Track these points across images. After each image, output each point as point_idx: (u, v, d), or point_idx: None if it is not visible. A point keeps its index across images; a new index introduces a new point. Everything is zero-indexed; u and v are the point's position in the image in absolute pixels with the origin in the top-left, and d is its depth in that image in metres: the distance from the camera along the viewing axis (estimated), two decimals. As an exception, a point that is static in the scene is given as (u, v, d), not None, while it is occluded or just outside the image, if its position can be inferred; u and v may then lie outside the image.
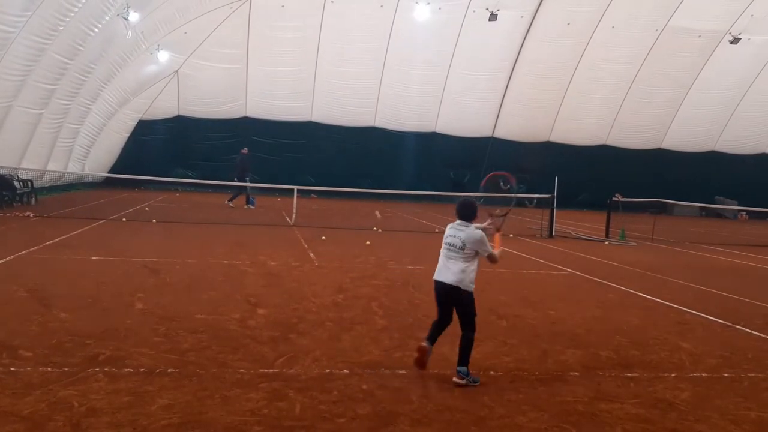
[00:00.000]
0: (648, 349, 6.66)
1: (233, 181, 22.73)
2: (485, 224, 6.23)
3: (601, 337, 7.10)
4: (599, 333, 7.28)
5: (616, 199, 19.93)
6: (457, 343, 5.42)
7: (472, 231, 5.58)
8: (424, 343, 5.47)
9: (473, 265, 5.56)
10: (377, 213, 13.59)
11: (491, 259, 5.73)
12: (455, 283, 5.48)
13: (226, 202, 22.91)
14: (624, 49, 30.86)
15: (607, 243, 17.85)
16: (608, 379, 5.59)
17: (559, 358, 6.14)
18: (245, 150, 23.71)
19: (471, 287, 5.55)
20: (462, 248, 5.51)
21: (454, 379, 5.26)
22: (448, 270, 5.55)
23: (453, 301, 5.56)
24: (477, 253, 5.54)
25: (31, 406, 4.26)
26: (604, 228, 19.07)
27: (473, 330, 5.48)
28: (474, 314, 5.53)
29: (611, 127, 34.62)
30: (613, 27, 29.69)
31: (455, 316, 5.64)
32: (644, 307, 9.09)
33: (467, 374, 5.27)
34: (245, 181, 22.58)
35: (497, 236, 6.18)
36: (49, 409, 4.23)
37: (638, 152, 35.24)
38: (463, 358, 5.34)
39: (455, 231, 5.62)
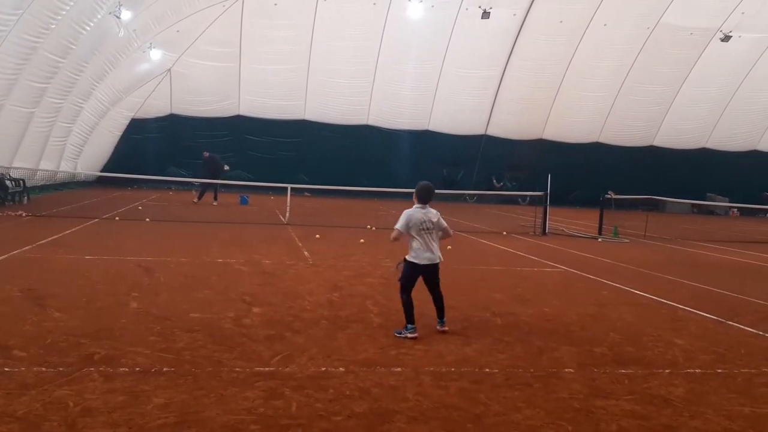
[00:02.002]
0: (642, 346, 6.69)
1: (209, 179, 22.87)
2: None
3: (595, 333, 7.13)
4: (593, 330, 7.31)
5: (609, 196, 19.99)
6: (451, 340, 5.43)
7: (434, 212, 6.60)
8: (415, 334, 6.44)
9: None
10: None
11: (448, 232, 6.77)
12: (440, 260, 6.62)
13: (213, 203, 22.92)
14: (616, 46, 30.98)
15: (600, 240, 17.91)
16: (603, 376, 5.60)
17: (553, 355, 6.16)
18: (206, 154, 23.85)
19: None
20: (435, 228, 6.53)
21: (444, 328, 6.70)
22: (433, 250, 6.54)
23: (434, 276, 6.68)
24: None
25: (25, 407, 4.24)
26: (597, 225, 19.13)
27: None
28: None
29: (604, 124, 34.76)
30: (605, 24, 29.80)
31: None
32: (638, 303, 9.12)
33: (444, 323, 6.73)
34: (218, 178, 22.66)
35: None
36: (44, 409, 4.21)
37: (630, 149, 35.40)
38: (443, 311, 6.77)
39: (424, 214, 6.52)
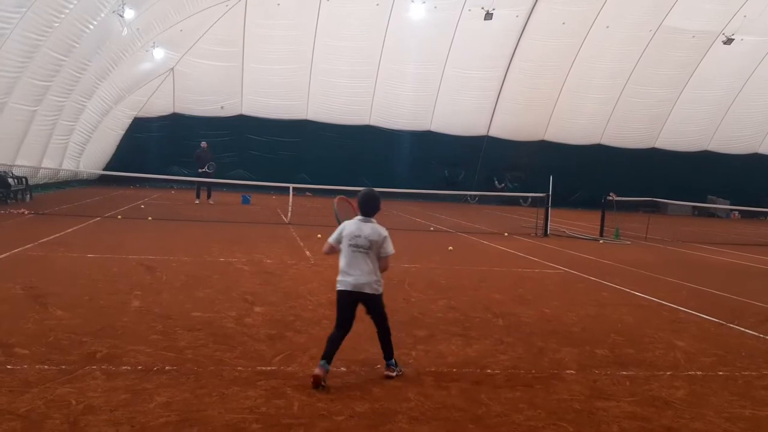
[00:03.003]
0: (643, 348, 6.70)
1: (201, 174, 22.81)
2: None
3: (596, 335, 7.13)
4: (594, 331, 7.31)
5: (610, 198, 19.97)
6: (453, 340, 5.43)
7: (378, 227, 5.22)
8: (318, 370, 4.94)
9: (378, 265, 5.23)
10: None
11: (386, 263, 5.27)
12: (373, 291, 5.17)
13: (209, 202, 22.92)
14: (618, 48, 30.97)
15: (601, 242, 17.91)
16: (604, 378, 5.61)
17: (554, 357, 6.17)
18: (205, 144, 23.70)
19: (380, 289, 5.23)
20: (370, 248, 5.14)
21: (386, 372, 5.22)
22: (361, 275, 5.13)
23: (370, 309, 5.26)
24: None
25: (28, 404, 4.25)
26: (599, 227, 19.12)
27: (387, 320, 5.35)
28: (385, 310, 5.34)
29: (605, 126, 34.75)
30: (607, 27, 29.78)
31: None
32: (639, 305, 9.13)
33: (396, 365, 5.31)
34: (205, 169, 22.61)
35: None
36: (47, 407, 4.23)
37: (632, 151, 35.38)
38: (390, 349, 5.30)
39: (358, 228, 5.20)
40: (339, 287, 5.20)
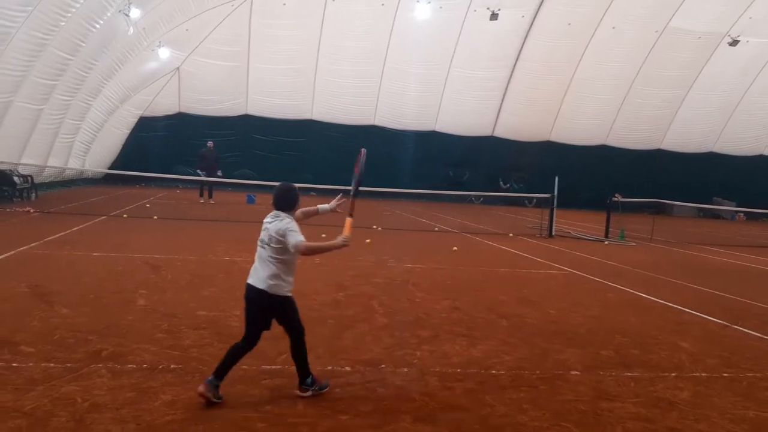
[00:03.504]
0: (648, 349, 6.69)
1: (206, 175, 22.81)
2: (333, 203, 5.55)
3: (601, 336, 7.12)
4: (599, 332, 7.30)
5: (615, 199, 19.94)
6: (457, 341, 5.42)
7: (281, 221, 4.70)
8: (201, 387, 4.47)
9: (290, 262, 4.70)
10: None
11: (298, 249, 4.59)
12: (268, 288, 4.62)
13: (210, 201, 22.95)
14: (624, 49, 30.92)
15: (606, 243, 17.88)
16: (609, 379, 5.61)
17: (559, 358, 6.16)
18: (211, 144, 23.66)
19: (284, 289, 4.69)
20: (269, 243, 4.63)
21: (302, 393, 4.66)
22: (258, 272, 4.68)
23: (270, 312, 4.74)
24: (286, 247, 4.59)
25: (33, 402, 4.27)
26: (604, 228, 19.10)
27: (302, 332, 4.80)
28: (298, 320, 4.81)
29: (611, 127, 34.70)
30: (613, 27, 29.74)
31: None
32: (643, 306, 9.11)
33: (312, 383, 4.72)
34: (215, 175, 22.61)
35: (348, 221, 5.18)
36: (52, 405, 4.25)
37: (638, 152, 35.32)
38: (305, 367, 4.72)
39: (266, 223, 4.76)
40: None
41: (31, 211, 16.15)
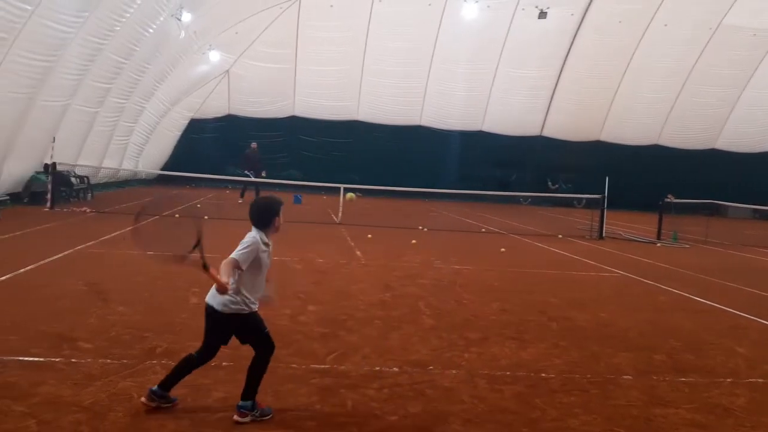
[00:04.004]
0: (702, 354, 6.52)
1: (247, 176, 23.08)
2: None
3: (653, 340, 6.97)
4: (652, 336, 7.15)
5: (668, 199, 19.50)
6: (506, 343, 5.36)
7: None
8: (144, 398, 4.22)
9: (243, 278, 4.40)
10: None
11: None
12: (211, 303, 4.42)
13: (239, 201, 23.22)
14: (676, 47, 30.19)
15: (658, 245, 17.48)
16: (662, 384, 5.48)
17: (611, 361, 6.05)
18: (254, 145, 23.90)
19: (231, 307, 4.32)
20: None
21: (235, 416, 4.18)
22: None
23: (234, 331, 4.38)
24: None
25: (92, 397, 4.39)
26: (656, 229, 18.68)
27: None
28: (260, 336, 4.38)
29: (663, 126, 33.92)
30: (665, 25, 29.07)
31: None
32: (698, 310, 8.89)
33: (253, 407, 4.23)
34: (260, 176, 22.85)
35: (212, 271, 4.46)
36: (110, 400, 4.36)
37: (691, 152, 34.43)
38: (252, 388, 4.27)
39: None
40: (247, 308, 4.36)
41: (88, 211, 16.63)
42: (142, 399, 4.23)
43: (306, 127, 32.54)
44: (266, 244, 4.51)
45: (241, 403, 4.23)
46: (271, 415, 4.26)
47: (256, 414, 4.22)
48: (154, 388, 4.23)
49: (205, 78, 29.37)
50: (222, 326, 4.32)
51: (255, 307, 4.35)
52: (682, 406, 4.98)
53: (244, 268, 4.31)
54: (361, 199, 27.98)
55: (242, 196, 23.75)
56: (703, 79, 31.54)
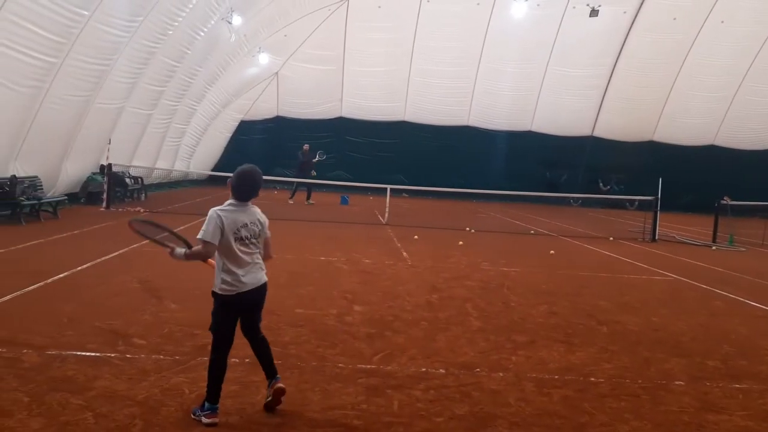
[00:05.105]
0: (758, 360, 6.33)
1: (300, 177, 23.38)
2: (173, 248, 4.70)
3: (707, 345, 6.79)
4: (705, 342, 6.97)
5: (724, 201, 18.95)
6: (555, 347, 5.27)
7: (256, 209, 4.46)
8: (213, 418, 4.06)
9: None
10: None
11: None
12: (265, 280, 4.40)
13: (308, 202, 23.47)
14: (734, 44, 29.31)
15: (714, 248, 17.01)
16: (715, 390, 5.35)
17: (662, 367, 5.92)
18: (306, 147, 24.19)
19: None
20: (260, 235, 4.38)
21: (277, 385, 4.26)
22: (259, 267, 4.41)
23: (259, 304, 4.50)
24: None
25: (145, 392, 4.52)
26: (711, 232, 18.19)
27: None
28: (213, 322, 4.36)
29: (720, 126, 32.96)
30: (722, 22, 28.29)
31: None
32: (754, 315, 8.63)
33: (203, 409, 4.12)
34: (310, 177, 23.09)
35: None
36: (162, 395, 4.48)
37: (749, 153, 33.34)
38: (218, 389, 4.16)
39: (249, 216, 4.33)
40: (235, 290, 4.23)
41: (141, 210, 17.06)
42: (212, 419, 4.03)
43: (353, 128, 32.74)
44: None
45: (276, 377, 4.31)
46: (213, 426, 4.01)
47: (199, 414, 4.10)
48: (208, 404, 4.09)
49: (254, 80, 29.83)
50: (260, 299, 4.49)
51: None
52: (735, 412, 4.85)
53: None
54: (408, 199, 28.01)
55: (291, 197, 24.06)
56: (761, 77, 30.55)
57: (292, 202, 23.32)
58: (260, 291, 4.37)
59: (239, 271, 4.20)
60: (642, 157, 32.33)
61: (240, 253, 4.20)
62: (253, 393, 4.61)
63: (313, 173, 23.43)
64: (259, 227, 4.33)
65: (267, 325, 6.38)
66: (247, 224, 4.26)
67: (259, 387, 4.71)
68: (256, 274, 4.32)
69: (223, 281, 4.22)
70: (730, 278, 11.80)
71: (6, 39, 12.13)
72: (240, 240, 4.21)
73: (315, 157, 24.23)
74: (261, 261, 4.39)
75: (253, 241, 4.29)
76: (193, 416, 4.11)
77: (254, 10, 23.47)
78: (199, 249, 4.29)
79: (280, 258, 10.77)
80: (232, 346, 4.31)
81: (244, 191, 4.32)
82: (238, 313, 4.31)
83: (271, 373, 4.38)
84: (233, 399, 4.47)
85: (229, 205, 4.29)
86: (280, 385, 4.30)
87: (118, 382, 4.66)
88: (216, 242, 4.17)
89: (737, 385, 5.51)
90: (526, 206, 29.49)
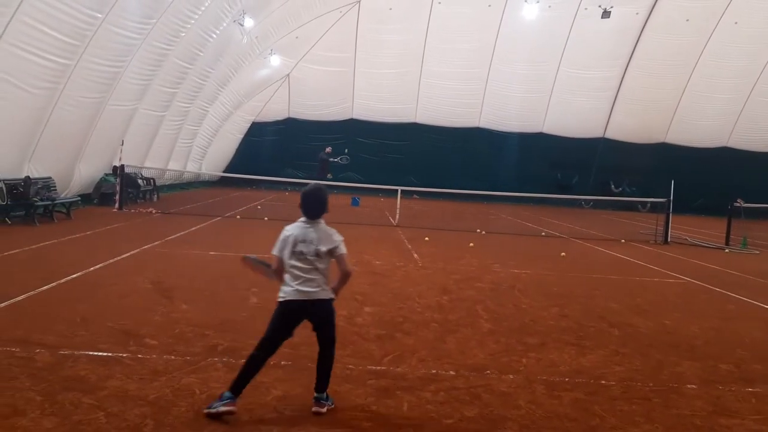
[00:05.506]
0: (773, 365, 6.28)
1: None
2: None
3: (720, 349, 6.74)
4: (718, 345, 6.92)
5: (737, 204, 18.82)
6: (565, 349, 5.26)
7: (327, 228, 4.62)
8: (230, 406, 4.21)
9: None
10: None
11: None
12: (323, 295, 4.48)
13: None
14: (747, 45, 29.13)
15: (727, 251, 16.89)
16: (728, 394, 5.30)
17: (674, 370, 5.88)
18: (329, 149, 24.35)
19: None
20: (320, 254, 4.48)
21: (315, 408, 4.36)
22: (315, 283, 4.44)
23: (317, 319, 4.58)
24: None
25: (156, 392, 4.54)
26: (724, 235, 18.05)
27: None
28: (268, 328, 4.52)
29: (733, 128, 32.73)
30: (736, 22, 28.10)
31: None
32: (767, 319, 8.56)
33: (328, 398, 4.48)
34: (327, 179, 23.27)
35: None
36: (173, 395, 4.50)
37: (763, 155, 33.08)
38: (326, 381, 4.48)
39: (312, 233, 4.52)
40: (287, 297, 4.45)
41: (153, 211, 17.16)
42: (229, 408, 4.17)
43: (364, 130, 32.78)
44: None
45: (319, 394, 4.44)
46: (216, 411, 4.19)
47: (330, 403, 4.46)
48: (228, 393, 4.23)
49: (266, 82, 29.93)
50: (330, 314, 4.67)
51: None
52: (748, 417, 4.81)
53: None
54: (419, 201, 27.99)
55: None
56: (775, 78, 30.36)
57: None
58: (314, 305, 4.47)
59: (292, 283, 4.44)
60: (654, 158, 32.17)
61: (294, 267, 4.45)
62: (263, 394, 4.62)
63: (329, 175, 23.57)
64: (320, 246, 4.45)
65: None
66: (306, 241, 4.48)
67: (268, 388, 4.72)
68: (308, 289, 4.43)
69: (281, 289, 4.51)
70: (743, 281, 11.71)
71: (20, 41, 12.25)
72: (296, 254, 4.46)
73: (335, 158, 24.43)
74: (320, 277, 4.46)
75: (310, 257, 4.45)
76: (209, 409, 4.20)
77: (266, 12, 23.57)
78: (274, 262, 4.60)
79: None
80: (275, 351, 4.47)
81: (307, 209, 4.59)
82: (289, 320, 4.50)
83: (318, 386, 4.47)
84: (243, 400, 4.45)
85: (299, 221, 4.61)
86: (315, 409, 4.38)
87: (130, 382, 4.68)
88: (281, 255, 4.52)
89: (750, 389, 5.46)
90: (537, 208, 29.40)
